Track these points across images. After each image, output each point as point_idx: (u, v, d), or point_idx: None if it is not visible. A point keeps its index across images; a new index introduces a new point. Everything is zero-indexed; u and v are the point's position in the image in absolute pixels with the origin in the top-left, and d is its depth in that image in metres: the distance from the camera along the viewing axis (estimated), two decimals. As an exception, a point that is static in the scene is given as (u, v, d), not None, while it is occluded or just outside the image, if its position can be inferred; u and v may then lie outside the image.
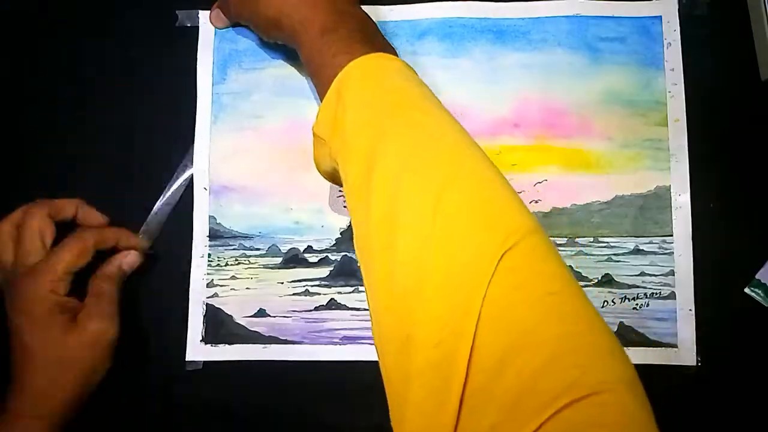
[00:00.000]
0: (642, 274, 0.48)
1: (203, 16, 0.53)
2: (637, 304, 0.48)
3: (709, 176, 0.48)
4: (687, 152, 0.48)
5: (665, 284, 0.48)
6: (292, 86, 0.51)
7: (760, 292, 0.46)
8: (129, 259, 0.48)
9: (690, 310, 0.47)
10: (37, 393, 0.42)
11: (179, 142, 0.52)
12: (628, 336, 0.47)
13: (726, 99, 0.49)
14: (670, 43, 0.49)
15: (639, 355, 0.47)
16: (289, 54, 0.52)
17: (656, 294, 0.48)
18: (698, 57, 0.49)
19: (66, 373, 0.43)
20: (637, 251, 0.48)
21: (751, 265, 0.47)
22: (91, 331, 0.43)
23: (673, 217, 0.48)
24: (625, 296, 0.48)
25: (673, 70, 0.49)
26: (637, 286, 0.48)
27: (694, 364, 0.46)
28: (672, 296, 0.47)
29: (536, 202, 0.49)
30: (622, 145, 0.49)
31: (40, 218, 0.45)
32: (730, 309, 0.47)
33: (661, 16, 0.50)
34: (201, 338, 0.50)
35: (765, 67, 0.48)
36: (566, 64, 0.50)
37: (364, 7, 0.45)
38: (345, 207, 0.50)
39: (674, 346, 0.47)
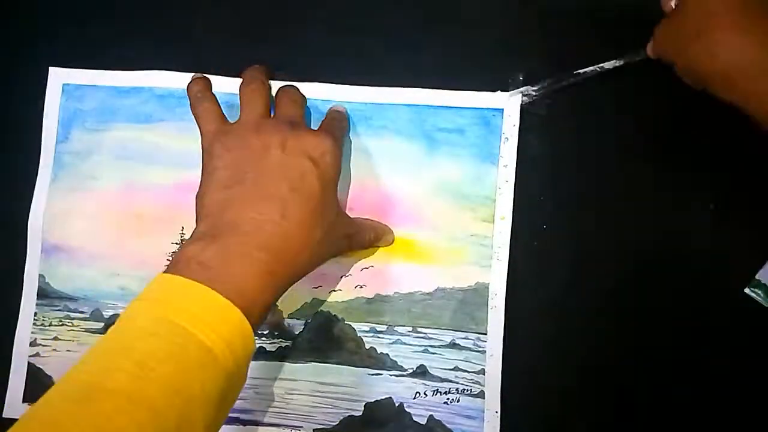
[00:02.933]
0: (456, 368, 0.48)
1: (53, 72, 0.53)
2: (448, 399, 0.48)
3: (708, 176, 0.48)
4: (508, 251, 0.48)
5: (476, 382, 0.48)
6: (132, 149, 0.51)
7: (760, 292, 0.46)
8: None
9: (496, 412, 0.47)
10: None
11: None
12: (436, 430, 0.48)
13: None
14: (507, 138, 0.50)
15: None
16: (134, 116, 0.52)
17: (467, 391, 0.48)
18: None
19: None
20: (453, 345, 0.48)
21: (751, 265, 0.47)
22: None
23: (489, 316, 0.48)
24: (438, 389, 0.48)
25: (506, 166, 0.49)
26: (450, 381, 0.48)
27: (494, 466, 0.47)
28: (482, 395, 0.48)
29: (361, 287, 0.50)
30: (449, 238, 0.49)
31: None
32: (730, 309, 0.46)
33: (502, 110, 0.50)
34: (21, 396, 0.50)
35: None
36: (404, 152, 0.50)
37: (215, 78, 0.49)
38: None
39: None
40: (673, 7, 0.42)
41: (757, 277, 0.46)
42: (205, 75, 0.49)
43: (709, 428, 0.46)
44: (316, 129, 0.45)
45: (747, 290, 0.47)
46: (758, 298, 0.46)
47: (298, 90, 0.48)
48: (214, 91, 0.48)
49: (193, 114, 0.46)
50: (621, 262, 0.48)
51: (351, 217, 0.47)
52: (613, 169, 0.49)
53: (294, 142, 0.41)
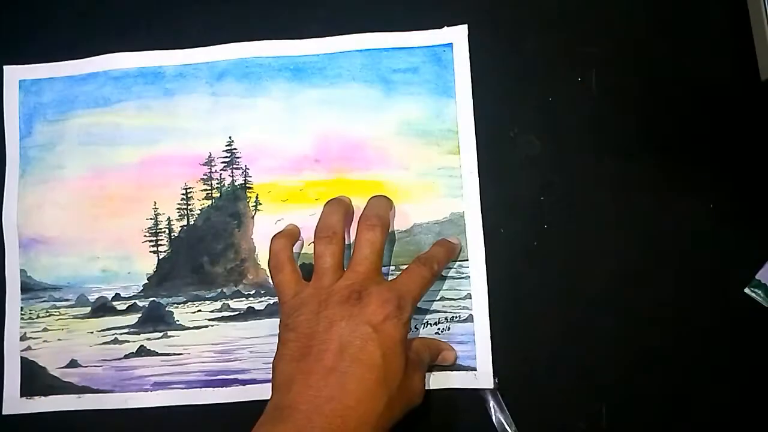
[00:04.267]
0: (442, 299, 0.49)
1: (7, 70, 0.53)
2: (439, 329, 0.49)
3: (708, 176, 0.48)
4: (477, 178, 0.49)
5: (463, 307, 0.48)
6: (95, 134, 0.52)
7: (760, 292, 0.46)
8: None
9: (486, 332, 0.48)
10: None
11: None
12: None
13: (725, 99, 0.49)
14: (460, 71, 0.50)
15: (441, 380, 0.48)
16: (93, 101, 0.52)
17: (456, 317, 0.48)
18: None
19: None
20: (436, 277, 0.49)
21: (751, 265, 0.47)
22: None
23: (468, 242, 0.49)
24: (427, 321, 0.49)
25: (463, 98, 0.50)
26: (438, 311, 0.49)
27: (491, 387, 0.47)
28: (470, 319, 0.48)
29: (339, 234, 0.50)
30: (418, 174, 0.50)
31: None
32: (729, 309, 0.47)
33: (451, 44, 0.51)
34: (18, 392, 0.50)
35: (765, 67, 0.47)
36: (361, 97, 0.51)
37: (166, 52, 0.50)
38: (151, 252, 0.51)
39: (473, 369, 0.48)
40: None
41: (757, 277, 0.47)
42: (289, 231, 0.49)
43: (709, 428, 0.46)
44: (389, 282, 0.44)
45: (747, 290, 0.47)
46: (758, 298, 0.47)
47: (380, 213, 0.46)
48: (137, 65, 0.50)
49: (272, 279, 0.46)
50: (621, 263, 0.48)
51: (416, 355, 0.45)
52: (613, 169, 0.49)
53: (358, 311, 0.41)
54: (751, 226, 0.48)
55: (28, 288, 0.51)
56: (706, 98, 0.49)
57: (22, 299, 0.51)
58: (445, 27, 0.51)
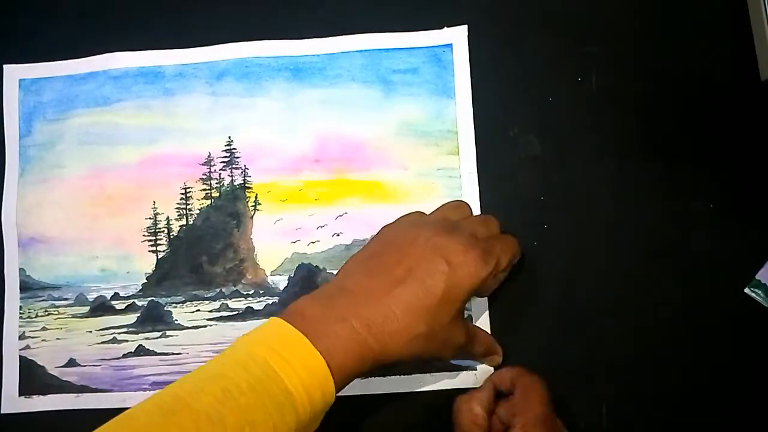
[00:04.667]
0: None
1: (7, 69, 0.53)
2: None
3: (708, 176, 0.48)
4: (477, 179, 0.49)
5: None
6: (94, 133, 0.52)
7: (760, 292, 0.46)
8: None
9: (488, 331, 0.48)
10: None
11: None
12: (431, 362, 0.48)
13: (725, 99, 0.49)
14: (460, 72, 0.50)
15: (441, 381, 0.48)
16: (92, 101, 0.52)
17: (456, 318, 0.48)
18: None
19: None
20: (435, 278, 0.49)
21: (751, 265, 0.47)
22: None
23: (466, 243, 0.49)
24: (427, 322, 0.48)
25: (462, 98, 0.50)
26: (438, 312, 0.48)
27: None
28: (469, 320, 0.48)
29: (338, 234, 0.50)
30: (417, 175, 0.50)
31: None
32: (730, 309, 0.47)
33: (451, 45, 0.51)
34: (17, 390, 0.50)
35: (765, 67, 0.47)
36: (361, 98, 0.51)
37: (166, 51, 0.50)
38: (150, 251, 0.51)
39: (474, 369, 0.47)
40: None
41: (757, 277, 0.47)
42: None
43: (710, 428, 0.46)
44: (480, 240, 0.42)
45: (747, 290, 0.47)
46: (758, 298, 0.47)
47: (511, 243, 0.45)
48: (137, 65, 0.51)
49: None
50: (620, 263, 0.48)
51: (470, 325, 0.45)
52: (613, 169, 0.49)
53: (442, 240, 0.41)
54: (751, 226, 0.48)
55: (27, 287, 0.51)
56: (706, 98, 0.49)
57: (21, 298, 0.51)
58: (445, 27, 0.51)
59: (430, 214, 0.46)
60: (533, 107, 0.50)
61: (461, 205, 0.46)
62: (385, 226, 0.45)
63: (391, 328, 0.38)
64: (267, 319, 0.38)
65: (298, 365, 0.35)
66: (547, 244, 0.49)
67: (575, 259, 0.48)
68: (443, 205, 0.47)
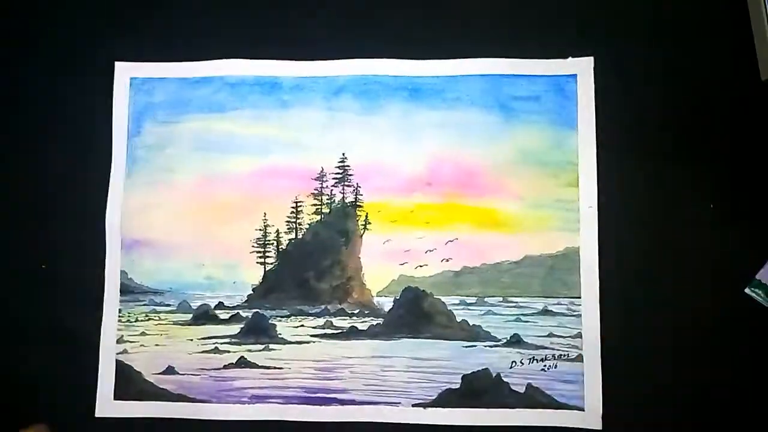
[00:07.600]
0: (550, 335, 0.48)
1: (119, 67, 0.52)
2: (545, 366, 0.48)
3: (709, 177, 0.48)
4: (597, 213, 0.49)
5: (573, 346, 0.48)
6: (207, 140, 0.51)
7: (760, 292, 0.46)
8: None
9: (597, 373, 0.47)
10: None
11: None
12: (536, 397, 0.47)
13: (726, 99, 0.49)
14: (583, 103, 0.50)
15: (546, 418, 0.47)
16: (207, 106, 0.51)
17: (564, 356, 0.48)
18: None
19: None
20: (545, 312, 0.48)
21: (751, 265, 0.47)
22: None
23: (582, 279, 0.48)
24: (534, 357, 0.48)
25: (585, 129, 0.49)
26: (546, 347, 0.48)
27: (600, 428, 0.46)
28: (579, 359, 0.47)
29: (447, 260, 0.49)
30: (532, 205, 0.49)
31: None
32: (730, 309, 0.46)
33: (576, 75, 0.50)
34: (112, 394, 0.49)
35: (765, 67, 0.47)
36: (479, 122, 0.50)
37: (283, 62, 0.49)
38: (258, 263, 0.50)
39: (581, 409, 0.47)
40: None
41: (757, 277, 0.46)
42: None
43: (709, 427, 0.46)
44: None
45: (747, 290, 0.47)
46: (758, 298, 0.46)
47: None
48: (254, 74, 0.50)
49: None
50: (620, 262, 0.48)
51: None
52: (613, 169, 0.49)
53: None
54: (751, 226, 0.47)
55: (128, 290, 0.50)
56: (706, 98, 0.49)
57: (120, 301, 0.50)
58: (570, 57, 0.50)
59: None
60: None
61: None
62: None
63: None
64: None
65: None
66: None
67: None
68: None
